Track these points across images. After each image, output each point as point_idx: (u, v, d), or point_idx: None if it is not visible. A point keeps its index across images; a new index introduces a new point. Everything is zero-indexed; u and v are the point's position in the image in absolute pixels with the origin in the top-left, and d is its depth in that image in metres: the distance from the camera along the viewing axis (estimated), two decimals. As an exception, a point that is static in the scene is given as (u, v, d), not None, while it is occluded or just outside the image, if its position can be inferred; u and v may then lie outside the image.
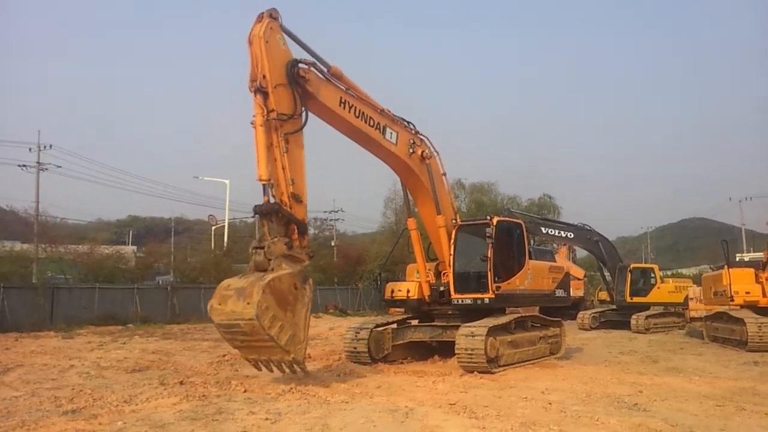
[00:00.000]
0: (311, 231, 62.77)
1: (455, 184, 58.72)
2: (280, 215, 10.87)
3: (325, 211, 63.03)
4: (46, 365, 13.97)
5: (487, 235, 13.45)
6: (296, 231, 11.11)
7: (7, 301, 25.39)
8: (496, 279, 13.41)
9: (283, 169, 11.02)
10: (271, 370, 10.92)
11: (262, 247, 10.70)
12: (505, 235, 14.28)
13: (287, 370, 10.79)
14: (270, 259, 10.62)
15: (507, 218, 15.86)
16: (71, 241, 38.52)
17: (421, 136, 14.32)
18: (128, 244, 62.68)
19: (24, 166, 40.06)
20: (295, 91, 11.34)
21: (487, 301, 13.36)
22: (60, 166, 41.06)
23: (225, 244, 48.04)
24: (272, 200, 10.90)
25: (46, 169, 40.37)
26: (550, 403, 9.20)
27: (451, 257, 14.03)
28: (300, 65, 11.49)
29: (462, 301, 13.72)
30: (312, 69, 11.78)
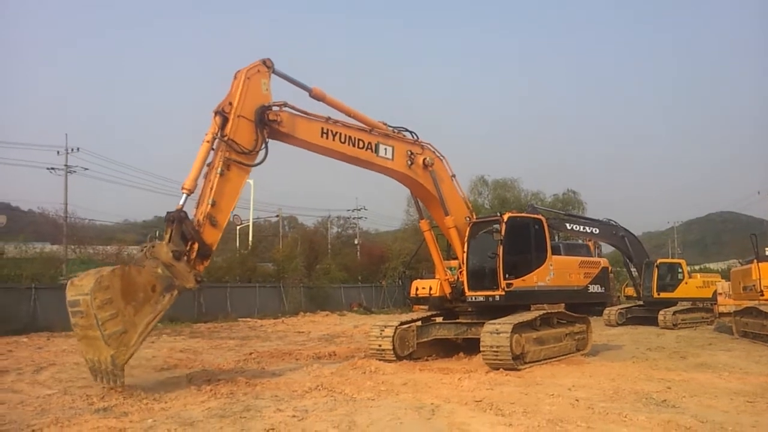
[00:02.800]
0: (334, 229, 63.48)
1: (478, 180, 58.80)
2: (183, 226, 10.37)
3: (348, 210, 63.44)
4: (77, 364, 14.18)
5: (495, 231, 13.35)
6: (197, 251, 10.49)
7: (38, 301, 25.84)
8: (508, 276, 13.24)
9: (211, 189, 10.79)
10: (96, 378, 9.75)
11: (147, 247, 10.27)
12: (520, 232, 14.07)
13: (107, 380, 9.52)
14: (147, 258, 10.05)
15: (522, 214, 15.61)
16: (99, 242, 39.12)
17: (423, 143, 14.30)
18: (155, 244, 63.17)
19: (52, 168, 40.98)
20: (260, 132, 11.34)
21: (497, 298, 13.28)
22: (87, 169, 41.92)
23: (250, 243, 48.43)
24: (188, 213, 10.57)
25: (74, 171, 41.22)
26: (577, 400, 9.14)
27: (464, 255, 14.02)
28: (272, 109, 11.51)
29: (475, 299, 13.71)
30: (284, 109, 11.76)
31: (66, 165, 40.73)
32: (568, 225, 24.30)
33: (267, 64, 11.60)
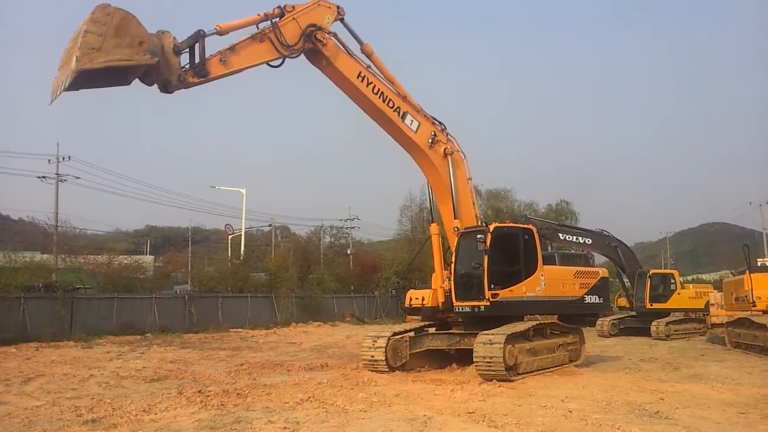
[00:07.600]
0: (326, 239, 63.58)
1: (472, 190, 58.71)
2: (199, 41, 11.53)
3: (341, 219, 63.42)
4: (66, 375, 14.09)
5: (479, 241, 13.27)
6: (195, 67, 11.52)
7: (27, 311, 25.61)
8: (493, 286, 13.19)
9: (239, 42, 12.06)
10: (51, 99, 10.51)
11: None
12: (508, 242, 14.04)
13: (56, 91, 10.33)
14: (154, 34, 10.90)
15: (510, 224, 15.60)
16: (90, 251, 38.78)
17: (450, 136, 14.75)
18: (146, 253, 63.11)
19: (43, 177, 40.70)
20: (302, 41, 12.64)
21: (482, 308, 13.22)
22: (78, 177, 41.68)
23: (242, 253, 48.29)
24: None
25: (65, 180, 40.99)
26: (570, 411, 9.11)
27: (452, 265, 14.01)
28: (320, 31, 12.86)
29: (462, 309, 13.67)
30: (332, 38, 13.05)
31: (57, 174, 40.49)
32: (560, 235, 24.29)
33: (340, 12, 13.25)
